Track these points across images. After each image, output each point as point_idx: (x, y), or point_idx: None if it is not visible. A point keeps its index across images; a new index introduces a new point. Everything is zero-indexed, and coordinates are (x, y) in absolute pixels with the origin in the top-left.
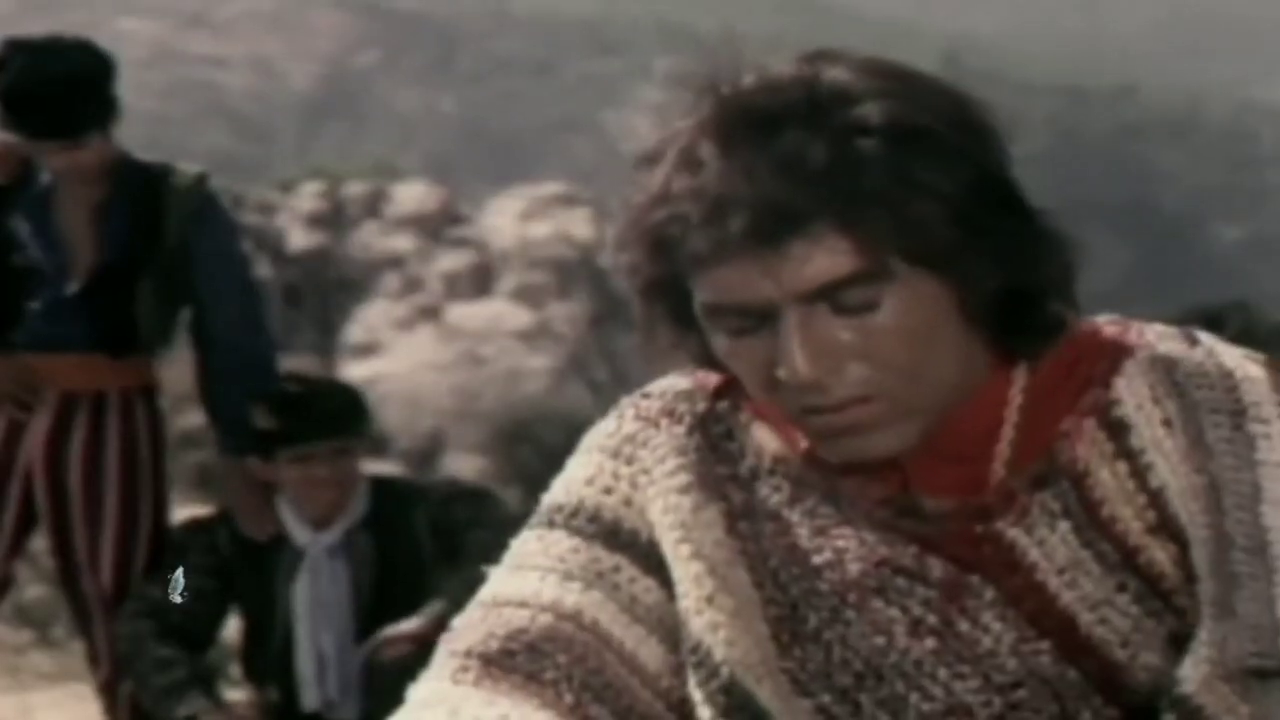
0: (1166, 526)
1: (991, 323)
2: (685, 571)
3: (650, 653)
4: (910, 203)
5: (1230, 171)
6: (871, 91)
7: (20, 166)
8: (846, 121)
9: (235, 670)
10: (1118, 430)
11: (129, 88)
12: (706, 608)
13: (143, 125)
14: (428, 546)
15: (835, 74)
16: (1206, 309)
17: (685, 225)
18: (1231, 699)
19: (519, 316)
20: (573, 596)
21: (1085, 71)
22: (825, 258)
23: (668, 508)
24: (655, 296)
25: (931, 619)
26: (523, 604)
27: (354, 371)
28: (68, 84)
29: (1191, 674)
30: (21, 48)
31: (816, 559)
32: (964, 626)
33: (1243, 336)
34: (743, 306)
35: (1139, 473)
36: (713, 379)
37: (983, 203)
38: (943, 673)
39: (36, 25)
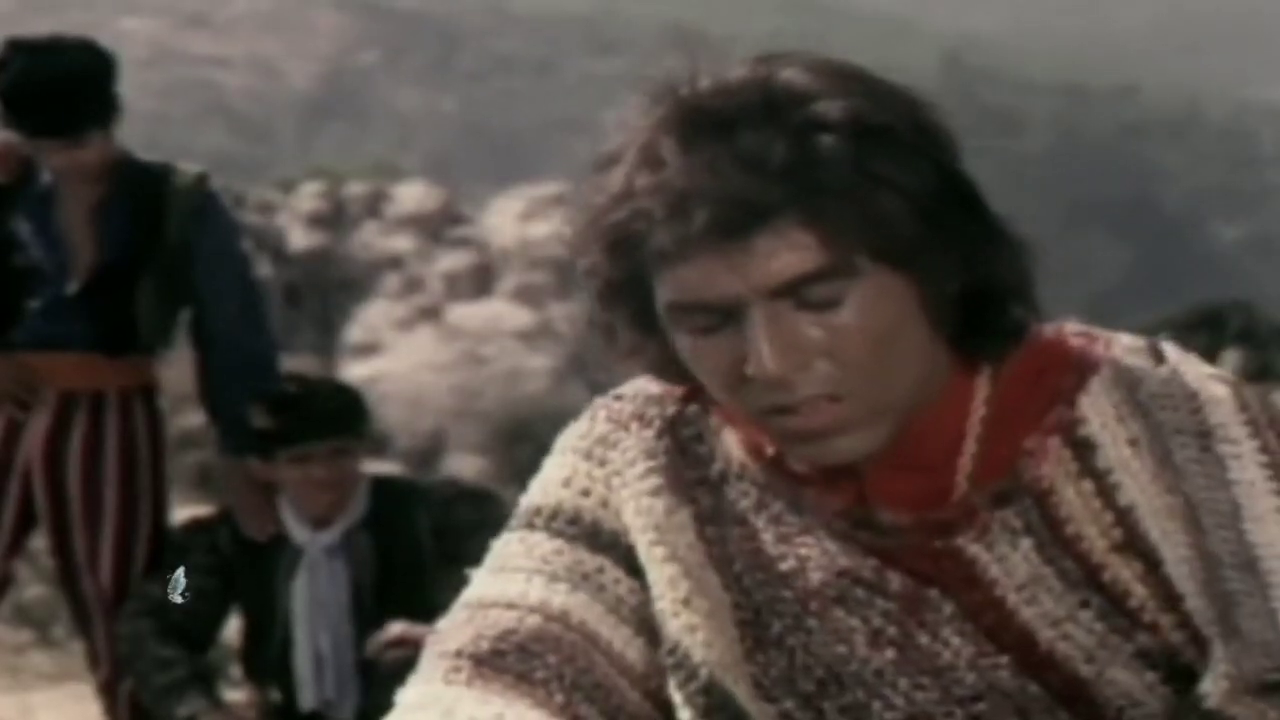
0: (1134, 545)
1: (953, 324)
2: (660, 574)
3: (637, 653)
4: (874, 198)
5: (1230, 171)
6: (828, 90)
7: (21, 166)
8: (805, 119)
9: (236, 670)
10: (1083, 449)
11: (129, 87)
12: (683, 610)
13: (143, 125)
14: (428, 547)
15: (790, 74)
16: (1207, 308)
17: (649, 221)
18: (1259, 705)
19: (519, 316)
20: (559, 597)
21: (1085, 71)
22: (791, 253)
23: (640, 510)
24: (615, 299)
25: (891, 630)
26: (510, 605)
27: (354, 371)
28: (69, 82)
29: (1214, 690)
30: (23, 47)
31: (781, 566)
32: (923, 639)
33: (1243, 336)
34: (707, 304)
35: (1105, 491)
36: None
37: (944, 200)
38: (903, 683)
39: (37, 25)
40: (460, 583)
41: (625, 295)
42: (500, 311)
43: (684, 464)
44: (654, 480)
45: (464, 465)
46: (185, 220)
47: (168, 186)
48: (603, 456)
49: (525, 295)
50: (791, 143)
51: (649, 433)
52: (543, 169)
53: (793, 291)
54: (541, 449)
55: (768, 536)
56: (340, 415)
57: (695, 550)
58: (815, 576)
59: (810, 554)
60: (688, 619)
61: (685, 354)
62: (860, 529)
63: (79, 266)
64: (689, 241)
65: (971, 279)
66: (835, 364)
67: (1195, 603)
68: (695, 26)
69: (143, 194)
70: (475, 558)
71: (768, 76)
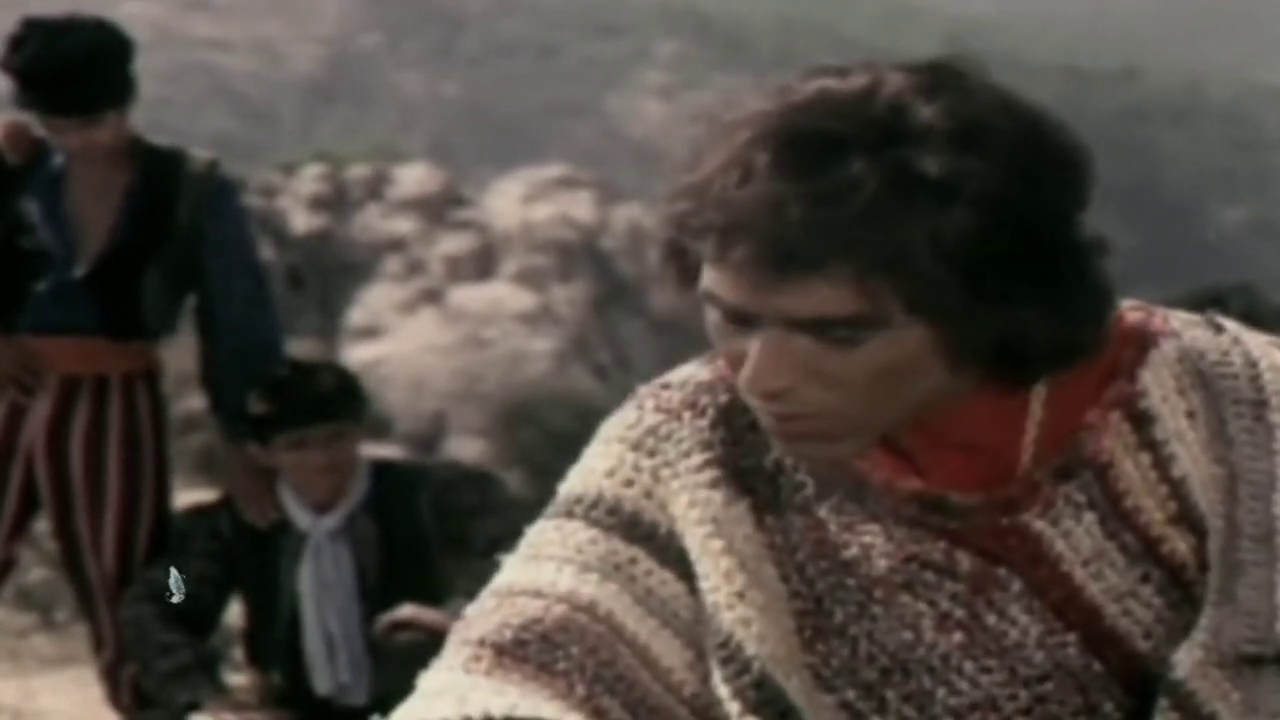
0: (1187, 517)
1: (985, 362)
2: (715, 566)
3: (663, 646)
4: (932, 261)
5: (1232, 154)
6: (933, 130)
7: (33, 148)
8: (896, 163)
9: (238, 654)
10: (1142, 422)
11: None
12: (738, 603)
13: (145, 108)
14: (431, 529)
15: (895, 96)
16: (1209, 291)
17: (705, 226)
18: (1224, 685)
19: (521, 299)
20: (588, 588)
21: (1087, 53)
22: (826, 295)
23: (695, 502)
24: (672, 258)
25: (959, 613)
26: (538, 594)
27: (356, 354)
28: (85, 61)
29: (1185, 659)
30: (39, 25)
31: (844, 554)
32: (991, 619)
33: (1245, 319)
34: (731, 308)
35: (1161, 463)
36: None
37: (1014, 263)
38: (969, 666)
39: (43, 7)
40: (473, 574)
41: (679, 256)
42: (502, 294)
43: (739, 453)
44: (712, 472)
45: (465, 448)
46: (197, 207)
47: (180, 172)
48: (653, 447)
49: (527, 278)
50: (874, 191)
51: (703, 422)
52: (544, 152)
53: (813, 327)
54: (543, 432)
55: (831, 526)
56: (337, 399)
57: (753, 542)
58: (881, 564)
59: (875, 541)
60: (742, 612)
61: (711, 328)
62: (930, 513)
63: (87, 250)
64: (731, 264)
65: (1010, 334)
66: (828, 389)
67: (1212, 572)
68: (697, 10)
69: (155, 179)
70: (477, 541)
71: (873, 92)
